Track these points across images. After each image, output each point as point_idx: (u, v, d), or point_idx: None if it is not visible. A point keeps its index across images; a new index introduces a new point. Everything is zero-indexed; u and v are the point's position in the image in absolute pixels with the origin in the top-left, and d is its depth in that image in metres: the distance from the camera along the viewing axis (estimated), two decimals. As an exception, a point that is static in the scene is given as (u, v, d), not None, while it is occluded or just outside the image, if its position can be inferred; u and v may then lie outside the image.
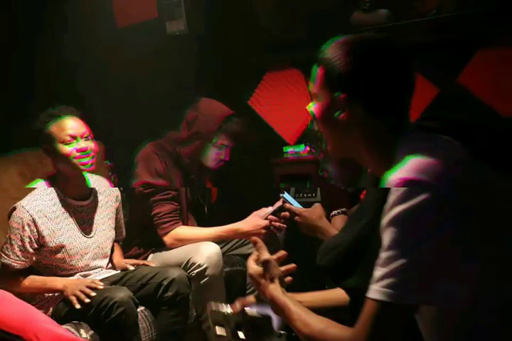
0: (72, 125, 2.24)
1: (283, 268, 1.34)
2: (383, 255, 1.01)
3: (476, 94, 2.64)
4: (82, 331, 2.10)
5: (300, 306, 1.21)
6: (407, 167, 1.02)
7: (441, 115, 1.17)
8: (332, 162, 1.91)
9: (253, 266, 1.33)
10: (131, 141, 2.74)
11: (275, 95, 3.25)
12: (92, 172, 2.34)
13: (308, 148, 2.98)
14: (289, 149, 3.12)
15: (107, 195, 2.46)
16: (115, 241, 2.54)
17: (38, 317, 1.96)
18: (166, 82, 3.37)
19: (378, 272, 1.01)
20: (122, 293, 2.09)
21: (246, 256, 1.77)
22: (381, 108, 1.13)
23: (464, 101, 2.67)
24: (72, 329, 2.08)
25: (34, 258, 2.24)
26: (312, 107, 1.22)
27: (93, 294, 2.10)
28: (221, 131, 2.55)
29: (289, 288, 1.30)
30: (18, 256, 2.20)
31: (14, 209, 2.22)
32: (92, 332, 2.12)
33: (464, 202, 0.99)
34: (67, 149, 2.21)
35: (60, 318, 2.12)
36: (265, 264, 1.31)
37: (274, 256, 1.34)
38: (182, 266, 2.39)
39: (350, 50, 1.14)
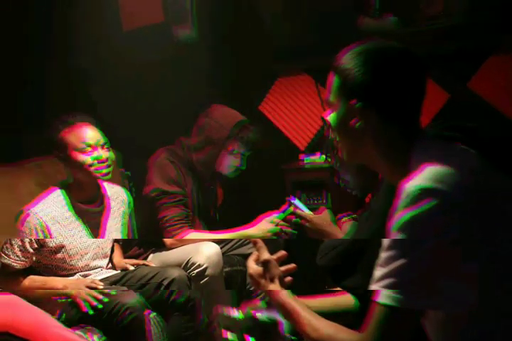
0: (89, 134, 2.24)
1: (283, 268, 1.33)
2: (383, 255, 1.02)
3: (486, 100, 2.64)
4: (93, 336, 2.08)
5: (309, 311, 1.21)
6: (423, 175, 1.02)
7: (455, 123, 1.17)
8: (348, 169, 1.91)
9: (253, 266, 1.33)
10: (145, 148, 2.74)
11: (286, 101, 3.26)
12: (108, 180, 2.34)
13: (320, 155, 2.98)
14: (303, 156, 3.11)
15: (116, 199, 2.46)
16: (115, 241, 2.54)
17: (48, 322, 1.95)
18: (175, 87, 3.38)
19: (378, 272, 1.02)
20: (134, 299, 2.09)
21: (246, 256, 1.77)
22: (396, 116, 1.14)
23: (475, 106, 2.66)
24: (83, 334, 2.06)
25: (34, 258, 2.24)
26: (327, 115, 1.22)
27: (105, 300, 2.09)
28: (234, 138, 2.54)
29: (288, 288, 1.30)
30: (18, 256, 2.19)
31: (21, 213, 2.20)
32: (103, 337, 2.10)
33: (473, 209, 0.99)
34: (84, 158, 2.21)
35: (70, 323, 2.11)
36: (265, 264, 1.31)
37: (274, 256, 1.34)
38: (182, 266, 2.38)
39: (366, 59, 1.14)
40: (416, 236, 0.98)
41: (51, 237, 2.19)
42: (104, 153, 2.25)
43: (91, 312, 2.09)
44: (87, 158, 2.21)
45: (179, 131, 2.79)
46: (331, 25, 2.96)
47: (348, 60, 1.16)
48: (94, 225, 2.34)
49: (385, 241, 1.01)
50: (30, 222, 2.17)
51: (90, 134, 2.24)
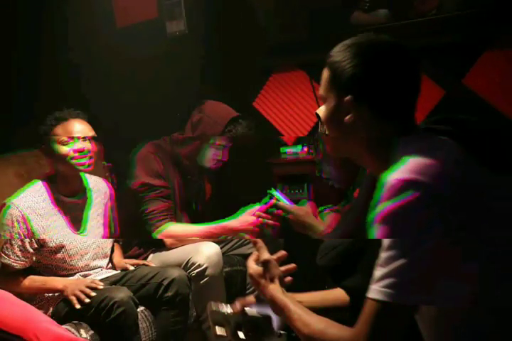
0: (76, 127, 2.25)
1: (283, 268, 1.34)
2: (383, 255, 1.02)
3: (482, 96, 2.63)
4: (82, 331, 2.10)
5: (300, 306, 1.21)
6: (406, 167, 1.02)
7: (447, 118, 1.17)
8: (330, 162, 1.92)
9: (253, 266, 1.33)
10: (130, 142, 2.73)
11: (280, 97, 3.25)
12: (90, 172, 2.34)
13: (306, 149, 2.99)
14: (287, 149, 3.11)
15: (98, 192, 2.46)
16: (115, 241, 2.55)
17: (38, 317, 1.96)
18: (169, 83, 3.37)
19: (378, 272, 1.02)
20: (122, 293, 2.09)
21: (246, 256, 1.77)
22: (388, 111, 1.13)
23: (470, 103, 2.66)
24: (72, 329, 2.07)
25: (34, 258, 2.25)
26: (320, 110, 1.22)
27: (93, 294, 2.10)
28: (226, 133, 2.54)
29: (289, 288, 1.31)
30: (18, 256, 2.20)
31: (3, 205, 2.21)
32: (92, 332, 2.11)
33: (459, 202, 0.99)
34: (64, 149, 2.22)
35: (60, 318, 2.12)
36: (265, 264, 1.31)
37: (274, 256, 1.34)
38: (182, 266, 2.38)
39: (358, 52, 1.13)
40: (398, 228, 0.99)
41: (28, 228, 2.19)
42: (86, 145, 2.25)
43: (77, 306, 2.10)
44: (68, 150, 2.21)
45: (171, 126, 2.79)
46: (321, 20, 2.96)
47: (339, 52, 1.15)
48: (75, 217, 2.34)
49: (385, 241, 1.01)
50: (9, 213, 2.18)
51: (77, 127, 2.25)
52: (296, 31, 3.07)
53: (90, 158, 2.25)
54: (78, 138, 2.23)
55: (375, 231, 1.01)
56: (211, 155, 2.59)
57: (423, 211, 0.97)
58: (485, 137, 1.13)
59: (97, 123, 2.40)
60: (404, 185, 0.98)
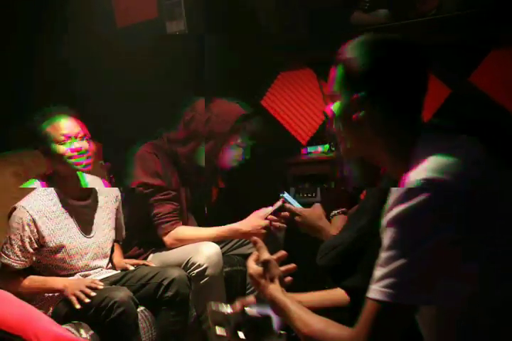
0: (66, 125, 2.24)
1: (283, 268, 1.34)
2: (383, 255, 1.02)
3: (488, 94, 2.63)
4: (82, 331, 2.10)
5: (300, 306, 1.21)
6: (427, 166, 1.02)
7: (457, 115, 1.17)
8: (352, 162, 1.91)
9: (253, 266, 1.33)
10: (129, 141, 2.73)
11: (288, 95, 3.25)
12: (88, 172, 2.34)
13: (320, 149, 2.99)
14: (305, 149, 3.11)
15: (107, 195, 2.47)
16: (115, 241, 2.54)
17: (37, 316, 1.95)
18: (167, 81, 3.37)
19: (378, 272, 1.02)
20: (122, 293, 2.09)
21: (246, 256, 1.77)
22: (399, 108, 1.14)
23: (476, 101, 2.66)
24: (72, 329, 2.08)
25: (34, 258, 2.25)
26: (331, 107, 1.22)
27: (93, 294, 2.10)
28: (235, 132, 2.54)
29: (289, 288, 1.30)
30: (18, 256, 2.20)
31: (14, 209, 2.22)
32: (92, 332, 2.11)
33: (473, 202, 0.99)
34: (61, 149, 2.21)
35: (60, 318, 2.12)
36: (265, 264, 1.31)
37: (274, 256, 1.34)
38: (182, 266, 2.38)
39: (370, 50, 1.14)
40: (406, 229, 0.99)
41: (38, 231, 2.19)
42: (84, 145, 2.25)
43: (77, 306, 2.09)
44: (66, 150, 2.21)
45: (170, 126, 2.79)
46: (327, 21, 2.96)
47: (352, 50, 1.16)
48: (83, 219, 2.35)
49: (385, 241, 1.01)
50: (18, 216, 2.19)
51: (70, 126, 2.24)
52: (298, 31, 3.07)
53: (88, 157, 2.25)
54: (75, 137, 2.23)
55: (387, 233, 1.01)
56: (233, 157, 2.59)
57: (432, 212, 0.98)
58: (496, 134, 1.14)
59: (91, 120, 2.39)
60: (424, 184, 0.98)
